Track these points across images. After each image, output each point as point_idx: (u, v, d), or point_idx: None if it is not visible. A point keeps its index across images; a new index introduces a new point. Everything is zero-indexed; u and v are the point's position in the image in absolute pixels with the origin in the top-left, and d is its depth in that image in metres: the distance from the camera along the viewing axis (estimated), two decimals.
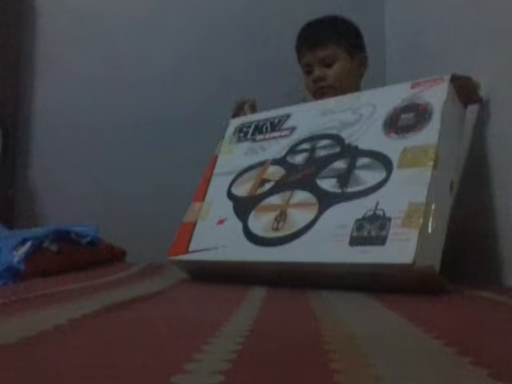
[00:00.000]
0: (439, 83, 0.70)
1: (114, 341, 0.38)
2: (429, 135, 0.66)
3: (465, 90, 0.73)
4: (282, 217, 0.71)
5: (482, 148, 0.78)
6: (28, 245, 1.02)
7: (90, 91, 1.69)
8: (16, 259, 0.98)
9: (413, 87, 0.72)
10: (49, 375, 0.28)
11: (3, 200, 1.70)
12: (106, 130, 1.65)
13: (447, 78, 0.71)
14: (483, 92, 0.76)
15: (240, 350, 0.32)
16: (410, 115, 0.69)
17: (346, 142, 0.73)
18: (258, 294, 0.62)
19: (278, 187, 0.75)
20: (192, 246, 0.79)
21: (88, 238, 1.16)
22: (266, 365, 0.30)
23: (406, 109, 0.71)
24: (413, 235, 0.59)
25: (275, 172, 0.77)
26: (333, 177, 0.70)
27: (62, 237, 1.10)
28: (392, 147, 0.68)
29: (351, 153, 0.71)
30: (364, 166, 0.68)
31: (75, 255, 1.11)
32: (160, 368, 0.29)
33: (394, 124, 0.70)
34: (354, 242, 0.63)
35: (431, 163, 0.63)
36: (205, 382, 0.26)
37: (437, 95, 0.69)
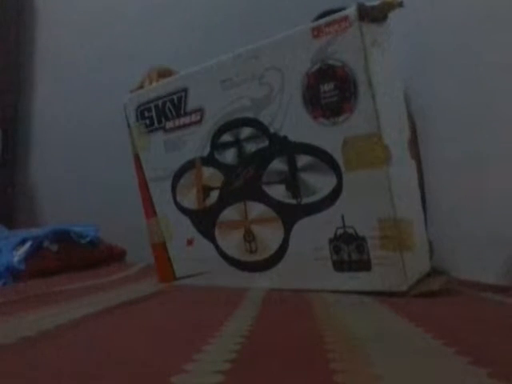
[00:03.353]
0: (346, 27, 0.58)
1: (113, 341, 0.38)
2: (365, 119, 0.57)
3: (381, 18, 0.61)
4: (250, 237, 0.69)
5: None
6: (28, 245, 1.02)
7: (90, 91, 1.70)
8: (16, 259, 0.98)
9: (315, 36, 0.60)
10: (49, 375, 0.28)
11: (3, 200, 1.70)
12: (106, 130, 1.65)
13: (353, 15, 0.58)
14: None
15: (240, 350, 0.32)
16: (331, 86, 0.60)
17: (271, 130, 0.65)
18: (257, 294, 0.62)
19: (227, 198, 0.71)
20: (178, 272, 0.78)
21: (88, 238, 1.16)
22: (266, 365, 0.30)
23: (321, 76, 0.60)
24: (397, 259, 0.57)
25: (212, 176, 0.72)
26: (279, 182, 0.65)
27: (62, 237, 1.11)
28: (328, 139, 0.60)
29: (284, 148, 0.64)
30: (307, 168, 0.63)
31: (75, 255, 1.11)
32: (160, 368, 0.29)
33: (317, 102, 0.61)
34: (338, 267, 0.61)
35: (383, 160, 0.57)
36: (205, 382, 0.26)
37: (349, 48, 0.58)
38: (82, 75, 1.71)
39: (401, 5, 0.60)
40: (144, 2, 1.71)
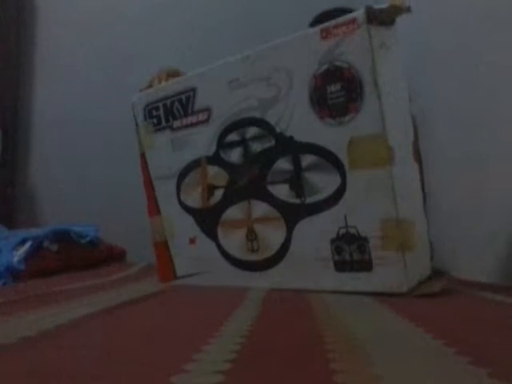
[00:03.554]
0: (354, 29, 0.58)
1: (113, 341, 0.38)
2: (371, 119, 0.58)
3: (388, 21, 0.61)
4: (252, 236, 0.69)
5: None
6: (28, 245, 1.02)
7: (90, 91, 1.69)
8: (16, 259, 0.98)
9: (323, 37, 0.61)
10: (48, 375, 0.28)
11: (3, 200, 1.70)
12: (107, 130, 1.65)
13: (361, 17, 0.58)
14: None
15: (240, 350, 0.32)
16: (338, 87, 0.60)
17: (278, 130, 0.65)
18: (257, 294, 0.62)
19: (231, 196, 0.71)
20: (179, 271, 0.78)
21: (88, 238, 1.16)
22: (266, 365, 0.30)
23: (328, 77, 0.61)
24: (398, 259, 0.57)
25: (217, 175, 0.72)
26: (283, 182, 0.66)
27: (62, 237, 1.11)
28: (333, 138, 0.61)
29: (289, 147, 0.64)
30: (311, 167, 0.63)
31: (75, 255, 1.11)
32: (160, 368, 0.29)
33: (324, 102, 0.61)
34: (340, 267, 0.61)
35: (386, 161, 0.57)
36: (205, 381, 0.26)
37: (357, 50, 0.58)
38: (82, 75, 1.71)
39: (409, 10, 0.60)
40: (144, 1, 1.71)
